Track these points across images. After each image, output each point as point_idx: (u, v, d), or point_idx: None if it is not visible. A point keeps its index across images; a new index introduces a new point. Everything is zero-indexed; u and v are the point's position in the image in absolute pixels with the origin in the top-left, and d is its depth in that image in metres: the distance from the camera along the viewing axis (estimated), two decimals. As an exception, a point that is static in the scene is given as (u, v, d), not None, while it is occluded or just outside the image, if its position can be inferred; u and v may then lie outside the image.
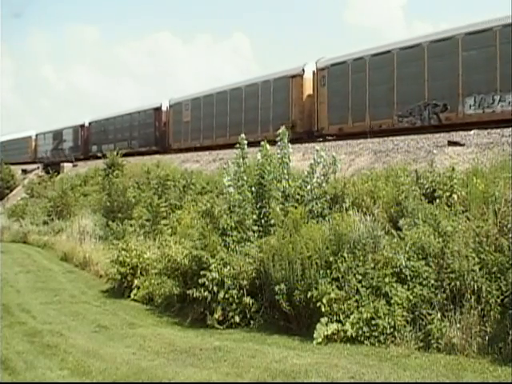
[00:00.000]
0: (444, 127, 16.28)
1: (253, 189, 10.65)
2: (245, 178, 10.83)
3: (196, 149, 27.35)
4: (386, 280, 7.80)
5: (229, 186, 10.80)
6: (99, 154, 35.43)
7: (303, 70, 22.41)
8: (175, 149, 29.97)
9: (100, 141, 37.95)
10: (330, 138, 20.85)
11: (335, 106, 20.84)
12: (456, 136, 14.18)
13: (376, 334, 7.50)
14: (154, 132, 32.50)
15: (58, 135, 44.13)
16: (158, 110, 32.43)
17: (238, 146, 11.77)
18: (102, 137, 37.96)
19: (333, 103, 20.91)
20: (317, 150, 11.28)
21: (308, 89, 22.26)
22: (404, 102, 18.28)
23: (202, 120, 28.29)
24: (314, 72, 21.82)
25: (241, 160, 11.39)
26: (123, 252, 12.60)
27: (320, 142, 19.24)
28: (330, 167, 10.92)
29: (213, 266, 9.22)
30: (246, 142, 11.76)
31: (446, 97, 17.04)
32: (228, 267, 9.18)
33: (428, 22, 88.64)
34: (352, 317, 7.73)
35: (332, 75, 20.93)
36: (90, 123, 40.51)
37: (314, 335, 7.74)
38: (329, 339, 7.70)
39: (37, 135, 48.18)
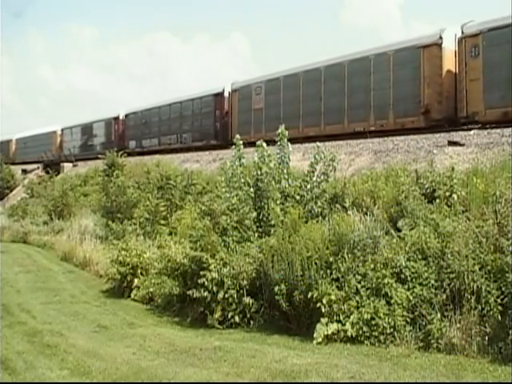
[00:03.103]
0: None
1: (251, 189, 10.65)
2: (242, 180, 10.81)
3: (273, 141, 22.62)
4: (386, 280, 7.79)
5: (226, 187, 10.78)
6: (139, 150, 32.00)
7: (441, 38, 17.10)
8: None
9: (140, 135, 33.31)
10: (474, 125, 16.09)
11: (496, 84, 15.58)
12: (456, 136, 14.19)
13: (376, 333, 7.51)
14: (213, 123, 27.01)
15: (87, 129, 39.82)
16: (219, 96, 26.76)
17: (234, 147, 11.77)
18: (144, 130, 32.97)
19: (492, 80, 15.68)
20: (317, 147, 11.28)
21: (448, 62, 17.09)
22: None
23: (281, 106, 22.53)
24: (458, 40, 16.78)
25: (237, 161, 11.36)
26: (123, 252, 12.60)
27: (469, 130, 15.30)
28: (329, 164, 10.92)
29: (212, 266, 9.22)
30: (241, 142, 11.76)
31: None
32: (228, 267, 9.19)
33: (425, 21, 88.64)
34: (352, 317, 7.73)
35: (490, 43, 15.74)
36: (126, 115, 35.72)
37: (314, 335, 7.74)
38: (329, 339, 7.70)
39: (62, 130, 44.18)
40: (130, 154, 31.54)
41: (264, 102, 23.73)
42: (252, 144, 22.49)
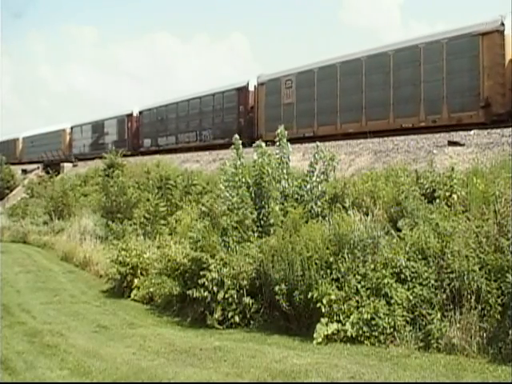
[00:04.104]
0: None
1: (251, 189, 10.64)
2: (243, 179, 10.79)
3: (306, 139, 19.78)
4: (386, 280, 7.79)
5: (225, 187, 10.75)
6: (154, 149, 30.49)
7: (503, 24, 15.44)
8: (269, 140, 23.10)
9: (156, 133, 31.59)
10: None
11: None
12: (456, 136, 14.18)
13: (376, 334, 7.51)
14: (236, 119, 25.07)
15: (98, 127, 38.00)
16: (243, 90, 24.85)
17: (233, 147, 11.73)
18: (160, 128, 31.24)
19: None
20: (317, 146, 11.27)
21: (511, 51, 15.60)
22: None
23: (316, 100, 20.83)
24: None
25: (238, 161, 11.34)
26: (123, 252, 12.61)
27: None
28: (329, 164, 10.91)
29: (212, 266, 9.22)
30: (240, 142, 11.71)
31: None
32: (228, 267, 9.19)
33: (424, 21, 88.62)
34: (352, 317, 7.74)
35: None
36: (140, 112, 33.97)
37: (314, 335, 7.74)
38: (329, 339, 7.70)
39: (72, 128, 42.11)
40: (144, 153, 30.45)
41: (295, 95, 21.79)
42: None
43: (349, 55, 19.92)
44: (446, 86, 16.66)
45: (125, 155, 30.49)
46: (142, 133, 33.57)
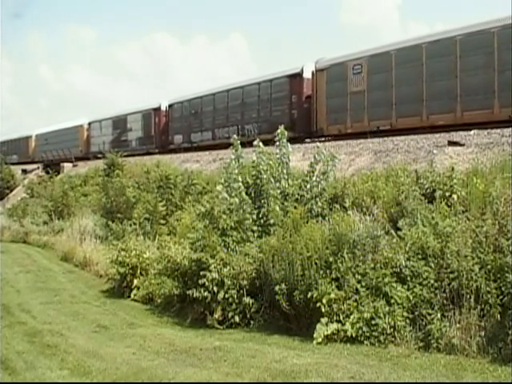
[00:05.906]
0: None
1: (250, 189, 10.63)
2: (240, 179, 10.75)
3: (381, 132, 17.63)
4: (386, 280, 7.80)
5: (223, 189, 10.70)
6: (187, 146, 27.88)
7: None
8: (332, 135, 19.97)
9: (188, 128, 28.38)
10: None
11: None
12: (456, 136, 14.17)
13: (376, 334, 7.51)
14: (288, 111, 22.03)
15: (119, 123, 35.11)
16: (296, 77, 21.79)
17: (232, 147, 11.68)
18: (193, 122, 28.12)
19: None
20: (317, 147, 11.29)
21: None
22: None
23: (394, 88, 17.82)
24: None
25: (235, 162, 11.30)
26: (122, 252, 12.61)
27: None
28: (329, 165, 10.92)
29: (212, 266, 9.23)
30: (239, 142, 11.64)
31: None
32: (228, 267, 9.19)
33: (423, 22, 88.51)
34: (352, 317, 7.74)
35: None
36: (170, 105, 30.67)
37: (314, 335, 7.74)
38: (329, 339, 7.70)
39: (90, 124, 39.15)
40: (174, 151, 27.99)
41: (366, 82, 18.79)
42: (347, 136, 18.28)
43: (438, 34, 17.23)
44: None
45: (150, 153, 28.90)
46: (171, 128, 30.22)
